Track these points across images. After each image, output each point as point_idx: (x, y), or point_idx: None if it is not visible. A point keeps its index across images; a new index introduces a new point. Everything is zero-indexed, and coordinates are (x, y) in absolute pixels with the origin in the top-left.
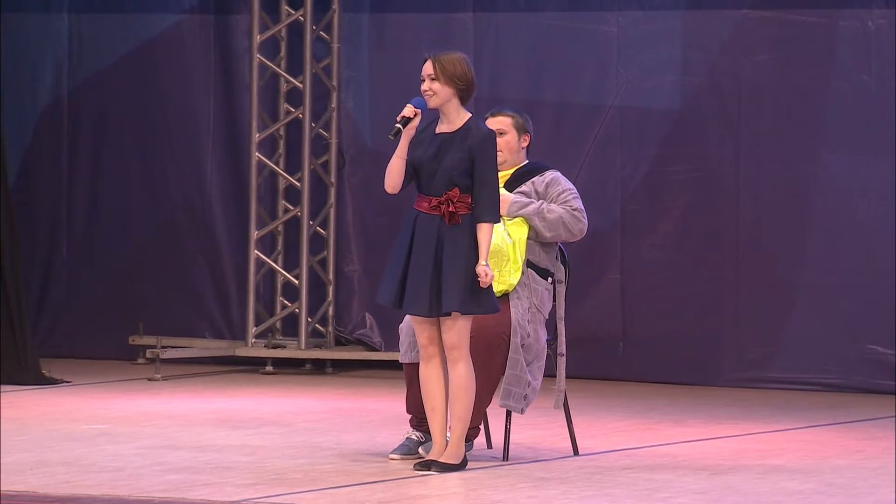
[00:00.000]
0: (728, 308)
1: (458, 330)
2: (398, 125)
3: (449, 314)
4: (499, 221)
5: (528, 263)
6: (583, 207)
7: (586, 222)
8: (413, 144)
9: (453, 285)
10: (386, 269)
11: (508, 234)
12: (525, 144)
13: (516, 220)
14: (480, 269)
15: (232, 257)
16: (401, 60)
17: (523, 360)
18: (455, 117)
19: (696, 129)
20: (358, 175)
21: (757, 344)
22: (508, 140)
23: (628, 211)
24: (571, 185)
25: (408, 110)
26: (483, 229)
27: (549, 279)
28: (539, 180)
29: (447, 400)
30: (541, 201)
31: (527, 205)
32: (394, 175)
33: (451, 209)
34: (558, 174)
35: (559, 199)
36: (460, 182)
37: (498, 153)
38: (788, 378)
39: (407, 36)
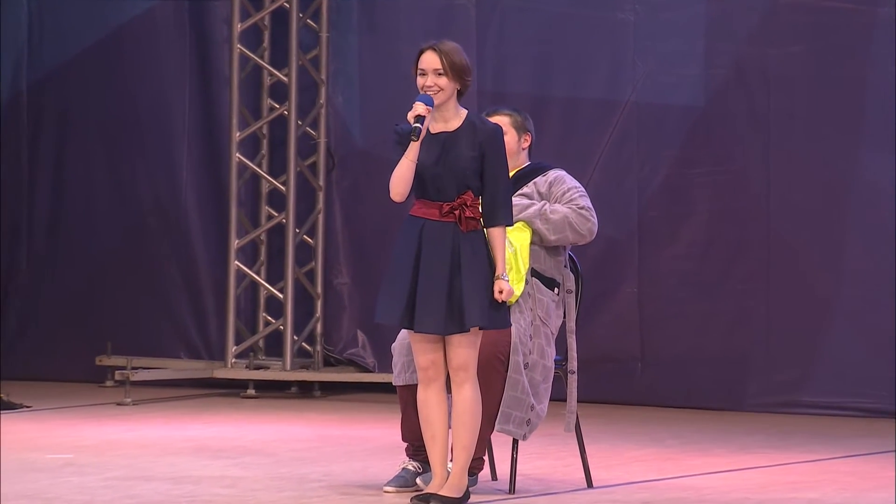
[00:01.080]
0: (757, 325)
1: (468, 348)
2: (417, 125)
3: (466, 331)
4: (513, 224)
5: (533, 272)
6: (591, 206)
7: (595, 221)
8: (400, 146)
9: (476, 298)
10: (385, 284)
11: (509, 242)
12: (526, 145)
13: (517, 224)
14: (499, 283)
15: (210, 269)
16: (396, 51)
17: (525, 381)
18: (454, 114)
19: (721, 128)
20: (348, 178)
21: (789, 364)
22: (507, 140)
23: (646, 218)
24: (577, 184)
25: (421, 108)
26: (496, 235)
27: (556, 289)
28: (541, 180)
29: (449, 427)
30: (543, 202)
31: (527, 207)
32: (404, 181)
33: (468, 214)
34: (562, 172)
35: (564, 198)
36: (473, 184)
37: None
38: (823, 402)
39: (402, 24)
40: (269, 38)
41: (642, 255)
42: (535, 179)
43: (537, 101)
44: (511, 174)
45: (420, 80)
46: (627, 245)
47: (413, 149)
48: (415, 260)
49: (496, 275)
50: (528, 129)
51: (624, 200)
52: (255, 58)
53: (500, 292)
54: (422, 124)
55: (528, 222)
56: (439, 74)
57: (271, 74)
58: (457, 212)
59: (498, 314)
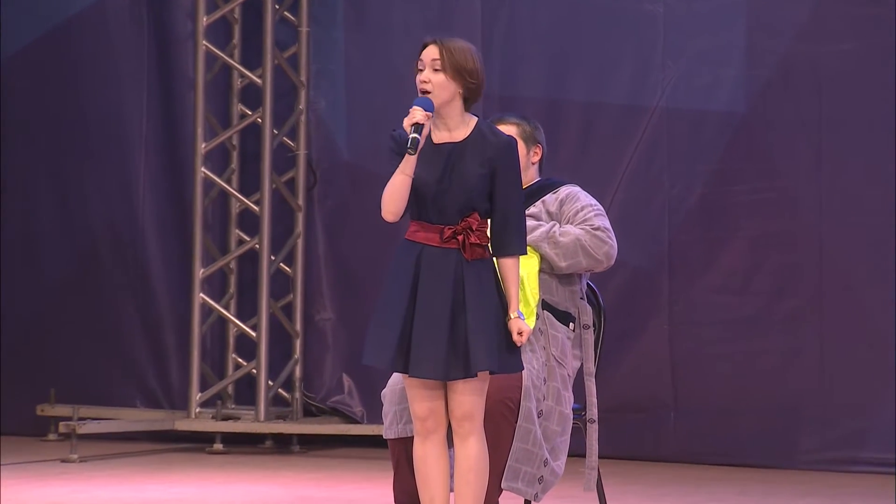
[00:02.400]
0: (809, 367)
1: (476, 396)
2: (414, 135)
3: (473, 376)
4: (526, 252)
5: (544, 305)
6: (609, 227)
7: (614, 244)
8: (396, 156)
9: (486, 339)
10: (375, 320)
11: None
12: (536, 158)
13: None
14: (516, 323)
15: (170, 302)
16: (388, 49)
17: (538, 431)
18: (459, 122)
19: (764, 137)
20: (333, 196)
21: (847, 413)
22: None
23: (679, 243)
24: (593, 201)
25: (419, 114)
26: (509, 266)
27: (572, 324)
28: (551, 198)
29: (451, 487)
30: (552, 223)
31: (533, 229)
32: (398, 198)
33: (473, 240)
34: (576, 189)
35: (576, 218)
36: (480, 205)
37: None
38: (887, 459)
39: (394, 18)
40: (240, 34)
41: (674, 286)
42: (543, 197)
43: (551, 106)
44: None
45: (418, 77)
46: (657, 275)
47: (409, 161)
48: (411, 292)
49: (510, 312)
50: (538, 140)
51: (652, 223)
52: (224, 56)
53: (520, 333)
54: (419, 133)
55: (535, 247)
56: (436, 70)
57: (242, 76)
58: (460, 237)
59: (510, 357)
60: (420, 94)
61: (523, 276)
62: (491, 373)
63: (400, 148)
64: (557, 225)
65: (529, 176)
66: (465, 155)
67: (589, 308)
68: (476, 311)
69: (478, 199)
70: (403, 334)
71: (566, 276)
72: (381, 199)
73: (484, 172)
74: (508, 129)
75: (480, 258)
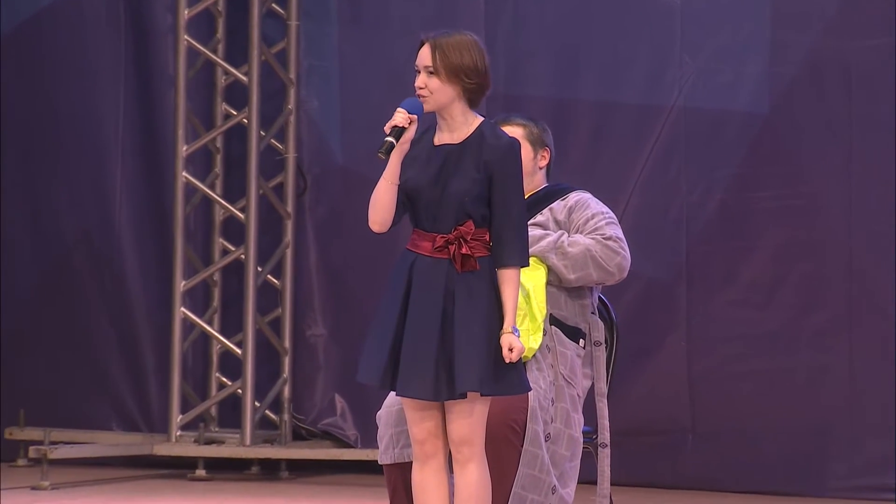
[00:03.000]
0: (839, 387)
1: (472, 419)
2: (389, 139)
3: (464, 396)
4: (528, 264)
5: (552, 320)
6: (621, 236)
7: (626, 254)
8: (405, 163)
9: (473, 356)
10: (369, 335)
11: (520, 284)
12: (543, 163)
13: (530, 260)
14: (507, 338)
15: (149, 317)
16: (384, 44)
17: (546, 456)
18: (461, 123)
19: (790, 140)
20: (325, 203)
21: (878, 437)
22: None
23: (697, 253)
24: (605, 209)
25: (400, 117)
26: (508, 278)
27: (582, 341)
28: (559, 205)
29: None
30: (560, 232)
31: (540, 239)
32: (383, 207)
33: (464, 250)
34: (586, 195)
35: (586, 227)
36: (475, 212)
37: None
38: None
39: (392, 10)
40: (225, 28)
41: (692, 299)
42: (551, 204)
43: (559, 106)
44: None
45: (416, 82)
46: (674, 288)
47: (391, 167)
48: (402, 304)
49: (503, 328)
50: (546, 142)
51: (669, 232)
52: (207, 52)
53: (510, 350)
54: (397, 138)
55: (542, 258)
56: (430, 74)
57: (227, 73)
58: (452, 247)
59: (509, 376)
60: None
61: (529, 288)
62: (483, 394)
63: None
64: (566, 234)
65: (536, 181)
66: (462, 158)
67: (600, 323)
68: (464, 327)
69: (472, 205)
70: (393, 351)
71: (576, 289)
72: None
73: (478, 177)
74: (514, 131)
75: (472, 270)
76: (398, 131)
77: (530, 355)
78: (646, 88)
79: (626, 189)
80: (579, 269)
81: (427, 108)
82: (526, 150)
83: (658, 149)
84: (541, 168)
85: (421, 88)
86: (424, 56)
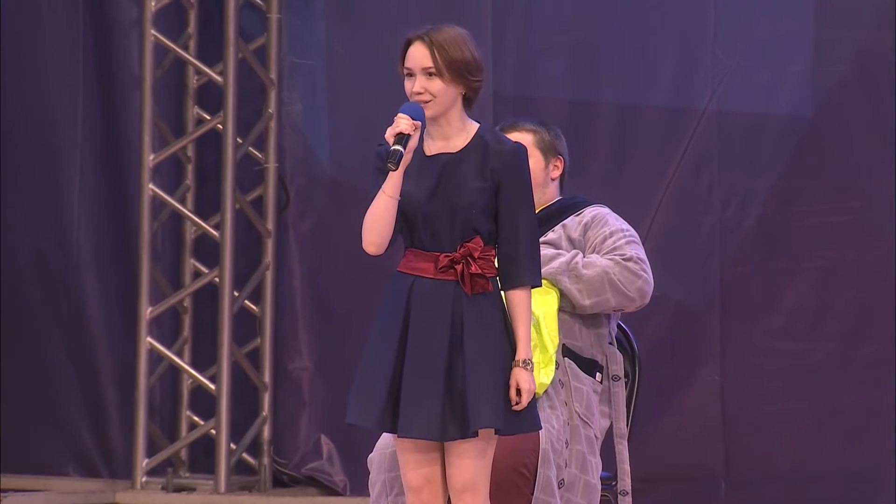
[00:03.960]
0: (889, 425)
1: (479, 461)
2: (397, 147)
3: (475, 435)
4: (541, 284)
5: (565, 351)
6: (643, 257)
7: (649, 277)
8: (382, 175)
9: (489, 390)
10: (360, 370)
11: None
12: (556, 173)
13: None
14: (517, 375)
15: (111, 348)
16: (377, 41)
17: None
18: (459, 129)
19: (838, 147)
20: (310, 219)
21: None
22: (530, 168)
23: (733, 276)
24: (625, 225)
25: (404, 123)
26: (519, 301)
27: (599, 375)
28: (573, 221)
29: None
30: (574, 252)
31: (551, 259)
32: (382, 226)
33: (474, 269)
34: (604, 210)
35: (604, 245)
36: (482, 226)
37: None
38: None
39: (386, 2)
40: (197, 22)
41: (727, 328)
42: (564, 220)
43: (576, 110)
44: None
45: (407, 85)
46: (706, 315)
47: (392, 180)
48: (400, 334)
49: (517, 359)
50: (558, 150)
51: (700, 252)
52: (177, 49)
53: (518, 391)
54: (404, 146)
55: (553, 281)
56: (430, 76)
57: (199, 73)
58: (459, 266)
59: (522, 413)
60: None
61: (539, 315)
62: (497, 433)
63: (383, 164)
64: (580, 254)
65: (549, 194)
66: (462, 166)
67: (619, 355)
68: (476, 357)
69: (479, 219)
70: (392, 387)
71: (591, 316)
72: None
73: (485, 186)
74: (523, 138)
75: (483, 292)
76: (403, 139)
77: (542, 391)
78: (674, 89)
79: (652, 204)
80: (595, 293)
81: (429, 113)
82: (536, 159)
83: (688, 158)
84: (553, 179)
85: (420, 94)
86: (420, 56)
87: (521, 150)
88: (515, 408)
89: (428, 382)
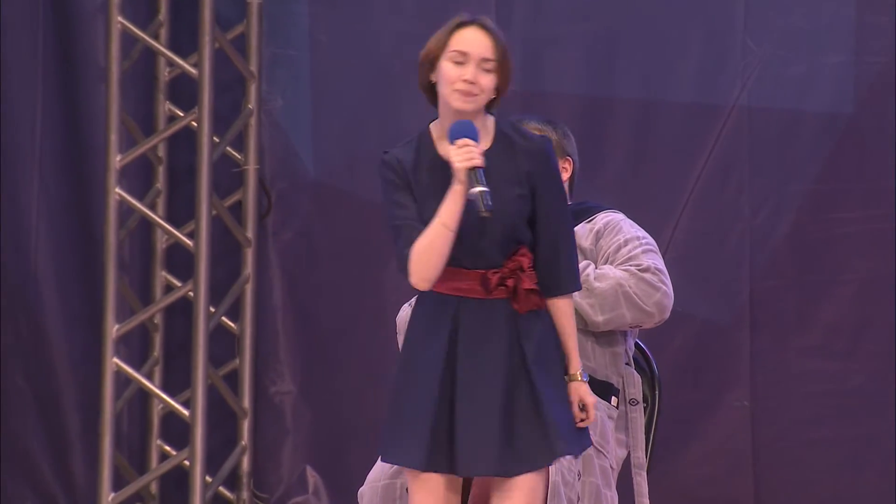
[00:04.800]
0: None
1: (535, 494)
2: (483, 189)
3: (545, 465)
4: (581, 287)
5: None
6: (662, 267)
7: (668, 290)
8: (420, 195)
9: (564, 413)
10: (396, 403)
11: None
12: (565, 176)
13: None
14: (578, 389)
15: (74, 370)
16: (367, 29)
17: None
18: (481, 127)
19: (880, 147)
20: (293, 227)
21: None
22: None
23: (763, 290)
24: (642, 233)
25: (475, 153)
26: (566, 309)
27: (614, 399)
28: (584, 229)
29: None
30: (585, 262)
31: None
32: (440, 261)
33: (526, 285)
34: (618, 217)
35: (618, 255)
36: (525, 236)
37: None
38: None
39: None
40: (169, 8)
41: (757, 348)
42: (574, 228)
43: (591, 106)
44: None
45: (453, 71)
46: (733, 333)
47: (452, 210)
48: (445, 362)
49: (571, 373)
50: (567, 151)
51: (728, 263)
52: (147, 38)
53: (582, 407)
54: (483, 180)
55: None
56: (486, 70)
57: (172, 64)
58: (510, 282)
59: (584, 432)
60: (454, 104)
61: None
62: (576, 456)
63: (400, 178)
64: (592, 265)
65: None
66: (493, 171)
67: (637, 377)
68: (545, 378)
69: (522, 228)
70: (440, 421)
71: (605, 334)
72: (408, 256)
73: (524, 192)
74: None
75: (536, 309)
76: (479, 173)
77: None
78: (699, 83)
79: (674, 210)
80: (609, 308)
81: (470, 108)
82: None
83: (714, 159)
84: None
85: (471, 84)
86: (481, 45)
87: (547, 144)
88: (583, 424)
89: (488, 414)
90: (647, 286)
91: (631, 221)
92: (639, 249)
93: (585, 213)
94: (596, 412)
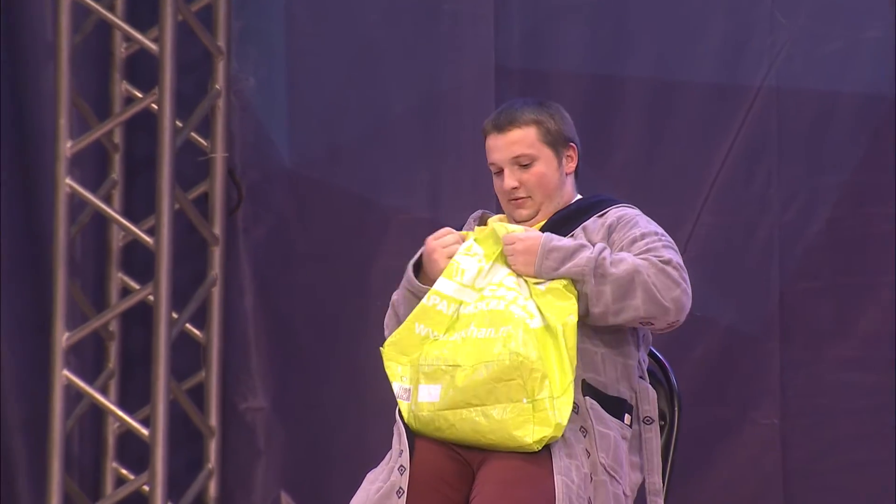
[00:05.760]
0: None
1: None
2: None
3: None
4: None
5: (586, 388)
6: (682, 263)
7: (688, 288)
8: None
9: None
10: None
11: (541, 313)
12: (572, 166)
13: (556, 283)
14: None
15: (18, 384)
16: (344, 2)
17: None
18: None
19: None
20: (266, 222)
21: None
22: (542, 171)
23: (795, 294)
24: (660, 229)
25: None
26: None
27: (627, 417)
28: (595, 224)
29: None
30: (601, 246)
31: (574, 252)
32: None
33: None
34: (633, 211)
35: (635, 247)
36: None
37: (517, 207)
38: None
39: None
40: None
41: (788, 359)
42: (585, 222)
43: (600, 87)
44: (542, 223)
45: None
46: (761, 342)
47: None
48: None
49: None
50: (567, 136)
51: (755, 263)
52: (101, 9)
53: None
54: None
55: (578, 279)
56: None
57: (129, 39)
58: None
59: None
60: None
61: (557, 327)
62: None
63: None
64: (608, 250)
65: (566, 195)
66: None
67: (652, 392)
68: None
69: None
70: None
71: (615, 342)
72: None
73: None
74: (526, 136)
75: None
76: None
77: (559, 433)
78: (722, 61)
79: (694, 204)
80: (622, 296)
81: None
82: (547, 159)
83: (739, 147)
84: (568, 174)
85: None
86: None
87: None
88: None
89: None
90: (667, 279)
91: (647, 217)
92: (658, 243)
93: (597, 206)
94: (608, 432)
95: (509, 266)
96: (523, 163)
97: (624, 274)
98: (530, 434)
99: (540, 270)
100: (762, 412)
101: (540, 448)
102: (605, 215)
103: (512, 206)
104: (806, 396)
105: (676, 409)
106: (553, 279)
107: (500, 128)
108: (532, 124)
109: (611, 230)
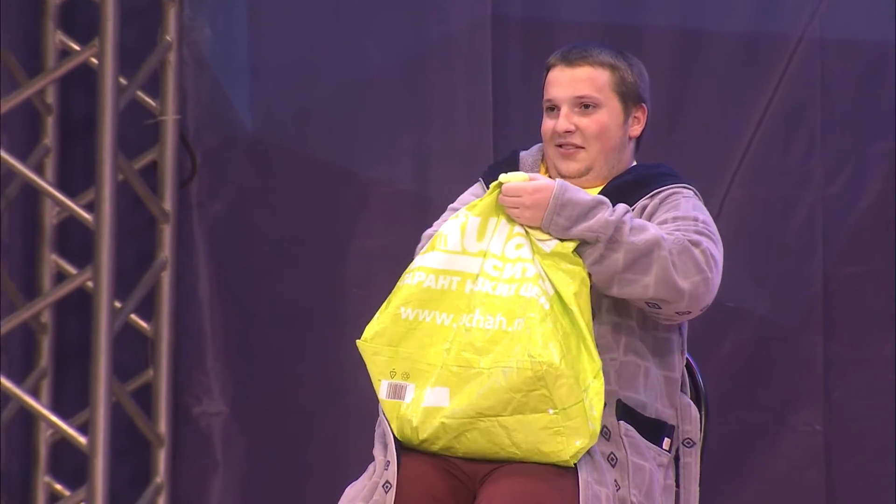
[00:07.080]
0: None
1: None
2: None
3: None
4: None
5: (621, 410)
6: (718, 257)
7: (714, 279)
8: None
9: None
10: None
11: (553, 285)
12: (637, 130)
13: (563, 246)
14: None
15: None
16: None
17: None
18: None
19: None
20: (225, 196)
21: None
22: (602, 120)
23: (840, 280)
24: (701, 215)
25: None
26: None
27: (667, 441)
28: (649, 204)
29: None
30: (624, 208)
31: (592, 208)
32: None
33: None
34: (686, 192)
35: (665, 227)
36: None
37: (565, 157)
38: None
39: None
40: None
41: (831, 356)
42: (640, 200)
43: (614, 38)
44: (598, 188)
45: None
46: (803, 336)
47: None
48: None
49: None
50: (642, 96)
51: (794, 245)
52: None
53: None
54: None
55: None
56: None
57: None
58: None
59: None
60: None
61: (573, 308)
62: None
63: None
64: (631, 213)
65: (624, 160)
66: None
67: (695, 409)
68: None
69: None
70: None
71: (660, 353)
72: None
73: None
74: (598, 76)
75: None
76: None
77: (595, 440)
78: (757, 7)
79: (724, 174)
80: (634, 268)
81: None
82: (614, 111)
83: (776, 108)
84: (632, 138)
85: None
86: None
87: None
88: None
89: None
90: (689, 261)
91: (700, 204)
92: (692, 229)
93: (658, 180)
94: (644, 464)
95: (503, 216)
96: (586, 104)
97: (643, 245)
98: (564, 448)
99: (549, 226)
100: (802, 417)
101: (576, 462)
102: (657, 196)
103: (559, 155)
104: (853, 399)
105: (703, 413)
106: (562, 240)
107: (570, 61)
108: (608, 67)
109: (654, 209)
